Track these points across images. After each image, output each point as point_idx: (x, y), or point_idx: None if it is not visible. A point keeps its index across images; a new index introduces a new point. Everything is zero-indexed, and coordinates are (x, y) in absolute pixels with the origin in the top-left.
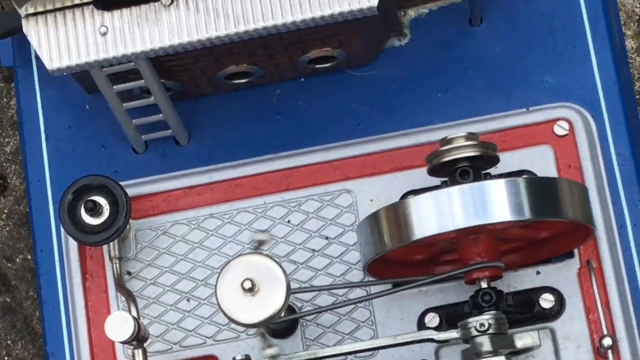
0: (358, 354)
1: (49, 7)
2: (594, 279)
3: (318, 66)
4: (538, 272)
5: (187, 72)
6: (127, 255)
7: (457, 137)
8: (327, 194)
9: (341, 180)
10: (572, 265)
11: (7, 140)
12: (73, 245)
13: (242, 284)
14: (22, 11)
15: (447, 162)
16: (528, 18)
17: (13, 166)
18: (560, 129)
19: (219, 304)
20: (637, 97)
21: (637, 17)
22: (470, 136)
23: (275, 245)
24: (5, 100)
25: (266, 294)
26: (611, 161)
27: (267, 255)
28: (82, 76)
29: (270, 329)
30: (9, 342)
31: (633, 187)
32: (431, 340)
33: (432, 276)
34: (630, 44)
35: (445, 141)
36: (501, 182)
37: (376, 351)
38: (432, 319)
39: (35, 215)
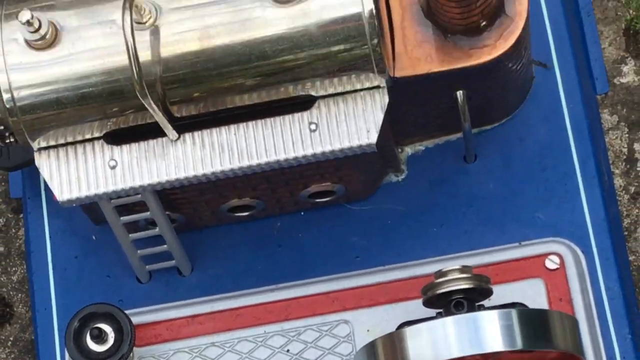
0: None
1: (61, 141)
2: None
3: (318, 200)
4: None
5: (191, 204)
6: None
7: (452, 270)
8: (326, 324)
9: (339, 311)
10: None
11: (14, 269)
12: None
13: None
14: (35, 145)
15: (442, 294)
16: (521, 156)
17: (19, 295)
18: (552, 263)
19: None
20: (626, 233)
21: (624, 157)
22: (464, 269)
23: None
24: (13, 231)
25: None
26: (601, 295)
27: None
28: (89, 208)
29: None
30: None
31: (622, 320)
32: None
33: None
34: (618, 182)
35: (440, 274)
36: (494, 314)
37: None
38: None
39: (41, 343)
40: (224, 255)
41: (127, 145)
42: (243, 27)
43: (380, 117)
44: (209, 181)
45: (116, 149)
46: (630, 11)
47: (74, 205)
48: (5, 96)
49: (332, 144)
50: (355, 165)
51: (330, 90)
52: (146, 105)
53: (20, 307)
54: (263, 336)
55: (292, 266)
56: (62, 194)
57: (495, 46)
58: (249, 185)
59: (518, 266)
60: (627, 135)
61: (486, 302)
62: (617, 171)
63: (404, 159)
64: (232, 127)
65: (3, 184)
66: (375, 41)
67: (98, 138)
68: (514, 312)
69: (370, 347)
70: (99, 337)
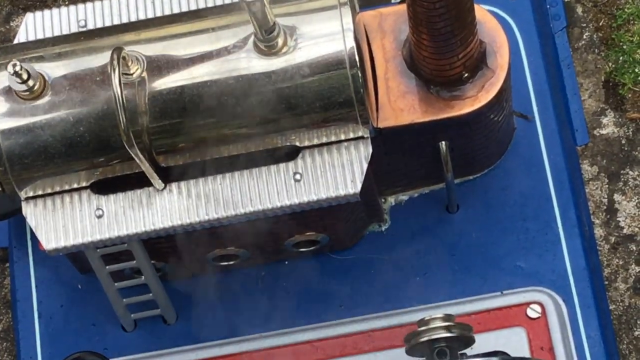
0: None
1: (48, 190)
2: None
3: (302, 250)
4: None
5: (176, 253)
6: None
7: (435, 318)
8: None
9: None
10: None
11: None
12: None
13: None
14: (22, 194)
15: (425, 342)
16: (503, 206)
17: (5, 344)
18: (533, 312)
19: None
20: (606, 282)
21: (604, 207)
22: (447, 317)
23: None
24: None
25: None
26: (582, 343)
27: None
28: (75, 257)
29: None
30: None
31: None
32: None
33: None
34: (598, 232)
35: (423, 322)
36: None
37: None
38: None
39: None
40: (208, 304)
41: (114, 195)
42: (229, 78)
43: (363, 167)
44: (194, 230)
45: (103, 198)
46: (610, 64)
47: (61, 254)
48: None
49: (316, 193)
50: (339, 215)
51: (315, 141)
52: (133, 155)
53: (5, 355)
54: None
55: (276, 315)
56: (49, 242)
57: (478, 98)
58: (234, 234)
59: (500, 315)
60: (607, 186)
61: (468, 351)
62: (597, 221)
63: (387, 209)
64: (218, 177)
65: None
66: (359, 93)
67: (85, 188)
68: None
69: None
70: None
